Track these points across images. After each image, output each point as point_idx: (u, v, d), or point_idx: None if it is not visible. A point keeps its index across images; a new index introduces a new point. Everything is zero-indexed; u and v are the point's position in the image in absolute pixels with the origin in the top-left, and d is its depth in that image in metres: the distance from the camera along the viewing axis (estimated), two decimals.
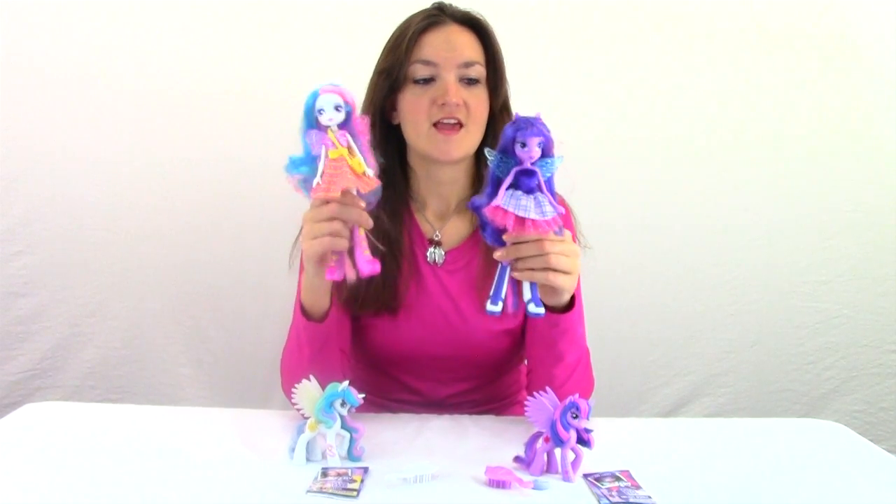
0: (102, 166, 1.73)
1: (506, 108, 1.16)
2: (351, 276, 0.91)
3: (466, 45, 1.10)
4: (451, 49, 1.08)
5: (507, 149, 0.85)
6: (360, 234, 0.91)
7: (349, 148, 0.86)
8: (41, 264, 1.75)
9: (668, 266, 1.84)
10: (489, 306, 0.88)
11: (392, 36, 1.13)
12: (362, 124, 0.88)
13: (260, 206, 1.72)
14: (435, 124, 1.08)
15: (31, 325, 1.77)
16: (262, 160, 1.71)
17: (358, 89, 1.15)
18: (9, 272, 1.74)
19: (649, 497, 0.84)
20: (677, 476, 0.91)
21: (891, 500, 0.89)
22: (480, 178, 1.16)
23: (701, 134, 1.81)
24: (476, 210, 0.89)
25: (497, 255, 0.88)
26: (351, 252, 0.91)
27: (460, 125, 1.08)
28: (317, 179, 0.86)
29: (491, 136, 1.14)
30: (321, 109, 0.85)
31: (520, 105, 1.16)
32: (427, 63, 1.08)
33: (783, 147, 1.82)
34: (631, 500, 0.83)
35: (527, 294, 0.89)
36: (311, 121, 0.86)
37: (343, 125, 0.86)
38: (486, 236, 0.90)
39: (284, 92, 1.70)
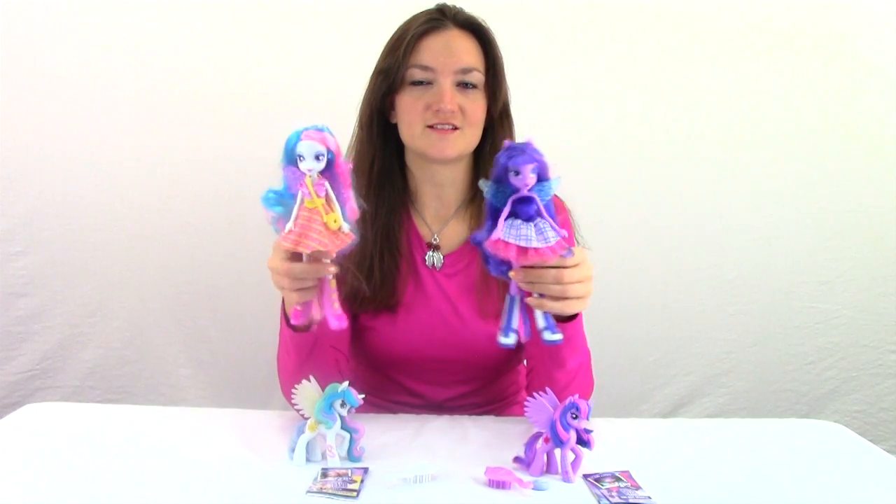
0: (102, 166, 1.73)
1: (505, 112, 1.15)
2: (317, 318, 0.89)
3: (465, 51, 1.09)
4: (449, 55, 1.08)
5: (501, 177, 0.84)
6: (331, 287, 0.88)
7: (327, 199, 0.83)
8: (41, 264, 1.75)
9: (668, 266, 1.85)
10: (501, 339, 0.87)
11: (392, 36, 1.13)
12: (345, 170, 0.84)
13: (260, 206, 1.72)
14: (430, 126, 1.08)
15: (31, 325, 1.77)
16: (262, 160, 1.71)
17: (357, 90, 1.16)
18: (9, 272, 1.74)
19: (649, 497, 0.84)
20: (677, 476, 0.91)
21: (891, 501, 0.89)
22: (478, 179, 1.16)
23: (701, 134, 1.81)
24: (478, 245, 0.88)
25: (512, 274, 0.86)
26: (320, 299, 0.89)
27: (455, 129, 1.08)
28: (289, 225, 0.83)
29: (489, 141, 1.14)
30: (301, 156, 0.81)
31: (520, 106, 1.17)
32: (424, 68, 1.08)
33: (783, 147, 1.82)
34: (631, 500, 0.83)
35: (541, 322, 0.88)
36: (291, 159, 0.83)
37: (324, 171, 0.83)
38: (490, 269, 0.90)
39: (284, 92, 1.71)
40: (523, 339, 0.88)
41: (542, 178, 0.84)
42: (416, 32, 1.09)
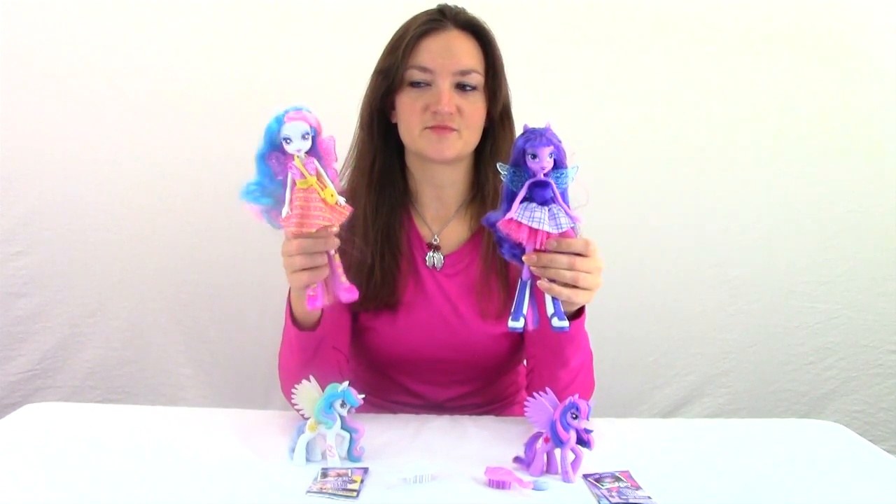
0: (102, 166, 1.73)
1: (506, 114, 1.15)
2: (329, 303, 0.90)
3: (465, 52, 1.09)
4: (448, 56, 1.07)
5: (519, 161, 0.85)
6: (336, 262, 0.90)
7: (318, 177, 0.84)
8: (41, 264, 1.75)
9: (668, 266, 1.84)
10: (511, 322, 0.88)
11: (393, 36, 1.13)
12: (329, 144, 0.85)
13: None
14: (428, 127, 1.08)
15: (31, 325, 1.76)
16: None
17: (357, 90, 1.16)
18: (9, 272, 1.74)
19: (649, 497, 0.84)
20: (677, 476, 0.91)
21: (891, 501, 0.89)
22: (479, 182, 1.16)
23: (701, 134, 1.81)
24: (491, 226, 0.88)
25: (525, 257, 0.87)
26: (328, 279, 0.90)
27: (453, 130, 1.08)
28: (286, 210, 0.83)
29: (490, 142, 1.14)
30: (288, 138, 0.82)
31: (520, 106, 1.17)
32: (423, 69, 1.08)
33: (783, 147, 1.82)
34: (631, 500, 0.83)
35: (550, 308, 0.88)
36: (274, 145, 0.83)
37: (309, 151, 0.83)
38: (503, 252, 0.90)
39: (285, 92, 1.70)
40: (530, 327, 0.88)
41: (560, 164, 0.85)
42: (416, 33, 1.09)
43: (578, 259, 0.87)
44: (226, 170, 1.72)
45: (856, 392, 1.90)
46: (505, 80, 1.14)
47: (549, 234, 0.85)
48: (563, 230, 0.85)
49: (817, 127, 1.81)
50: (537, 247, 0.86)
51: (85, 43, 1.69)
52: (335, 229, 0.88)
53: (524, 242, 0.86)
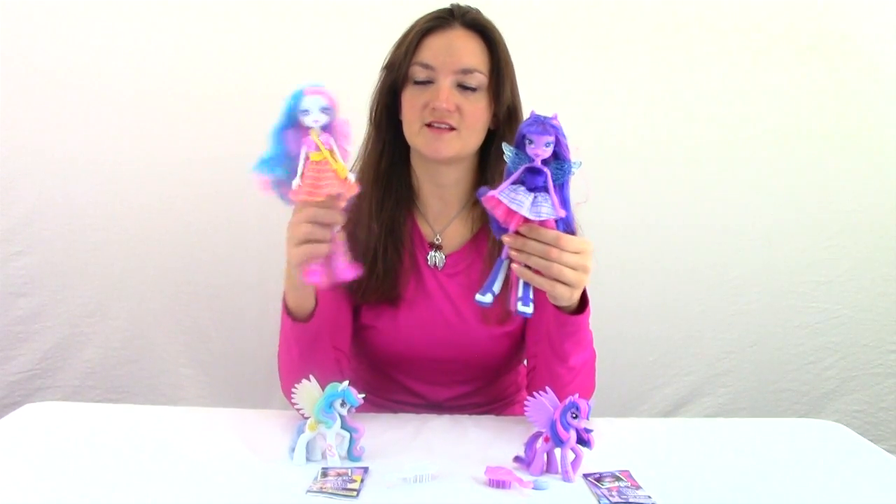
0: (102, 166, 1.73)
1: (513, 116, 1.14)
2: (329, 281, 0.91)
3: (468, 52, 1.08)
4: (450, 54, 1.07)
5: (519, 145, 0.86)
6: (340, 240, 0.91)
7: (331, 151, 0.85)
8: (41, 264, 1.75)
9: (668, 266, 1.84)
10: (478, 296, 0.89)
11: (402, 33, 1.13)
12: (344, 127, 0.87)
13: (260, 206, 1.72)
14: (427, 125, 1.08)
15: (31, 325, 1.76)
16: None
17: (360, 90, 1.16)
18: (9, 272, 1.73)
19: (649, 497, 0.84)
20: (677, 476, 0.91)
21: (891, 500, 0.89)
22: (484, 183, 1.16)
23: (701, 134, 1.80)
24: (481, 199, 0.89)
25: (505, 238, 0.88)
26: (329, 258, 0.91)
27: (451, 129, 1.07)
28: (296, 181, 0.85)
29: (495, 143, 1.13)
30: (306, 110, 0.84)
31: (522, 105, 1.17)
32: (425, 66, 1.08)
33: (783, 147, 1.82)
34: (631, 500, 0.83)
35: (519, 291, 0.88)
36: (292, 120, 0.85)
37: (325, 127, 0.85)
38: (493, 228, 0.90)
39: (285, 91, 1.70)
40: (511, 308, 0.88)
41: (561, 157, 0.85)
42: (421, 29, 1.09)
43: (555, 250, 0.86)
44: (226, 170, 1.73)
45: (856, 392, 1.90)
46: (512, 82, 1.13)
47: (525, 219, 0.85)
48: (542, 219, 0.84)
49: (817, 127, 1.81)
50: (512, 229, 0.87)
51: (85, 43, 1.69)
52: (343, 203, 0.89)
53: (501, 222, 0.87)
